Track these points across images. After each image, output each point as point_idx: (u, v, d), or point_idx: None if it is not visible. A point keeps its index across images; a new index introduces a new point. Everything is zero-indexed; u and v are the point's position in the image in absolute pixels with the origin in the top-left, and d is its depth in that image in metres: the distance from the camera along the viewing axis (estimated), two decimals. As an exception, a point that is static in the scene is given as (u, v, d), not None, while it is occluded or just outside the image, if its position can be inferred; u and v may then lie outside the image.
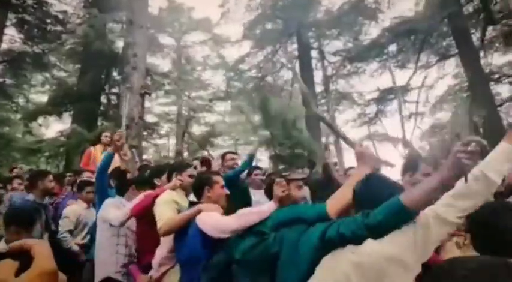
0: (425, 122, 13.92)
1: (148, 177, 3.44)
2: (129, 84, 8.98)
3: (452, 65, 12.89)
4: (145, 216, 2.83)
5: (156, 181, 3.30)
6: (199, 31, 20.32)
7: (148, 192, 3.00)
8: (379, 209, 1.40)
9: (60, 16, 11.41)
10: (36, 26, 11.09)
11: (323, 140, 13.93)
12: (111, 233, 3.11)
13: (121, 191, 3.39)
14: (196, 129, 21.16)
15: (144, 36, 9.82)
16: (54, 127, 12.66)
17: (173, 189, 2.88)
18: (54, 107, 11.20)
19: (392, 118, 13.28)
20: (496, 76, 11.29)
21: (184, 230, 2.38)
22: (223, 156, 4.64)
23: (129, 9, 9.76)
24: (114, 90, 11.61)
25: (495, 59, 11.99)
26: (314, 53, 14.64)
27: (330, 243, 1.47)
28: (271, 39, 13.57)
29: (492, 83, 10.88)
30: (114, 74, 11.68)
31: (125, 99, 8.80)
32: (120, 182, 3.51)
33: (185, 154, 18.31)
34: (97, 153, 5.43)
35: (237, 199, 2.97)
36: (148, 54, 16.04)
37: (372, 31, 13.13)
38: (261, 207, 2.10)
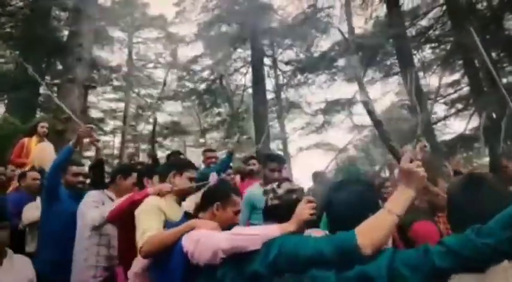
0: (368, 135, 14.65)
1: (138, 177, 3.00)
2: (71, 75, 8.55)
3: (395, 83, 13.68)
4: (124, 221, 2.42)
5: (145, 182, 2.83)
6: (152, 28, 19.84)
7: (128, 195, 2.55)
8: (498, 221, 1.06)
9: (0, -3, 10.62)
10: (-29, 5, 10.25)
11: (272, 146, 14.13)
12: (91, 232, 2.75)
13: (101, 184, 3.12)
14: (144, 128, 20.57)
15: (91, 27, 9.41)
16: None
17: (160, 194, 2.32)
18: (-15, 94, 10.37)
19: (338, 129, 13.80)
20: (433, 96, 12.09)
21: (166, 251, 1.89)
22: (203, 153, 4.65)
23: (77, -3, 9.32)
24: (56, 81, 10.95)
25: (432, 80, 12.90)
26: (267, 61, 14.85)
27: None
28: (225, 42, 13.57)
29: (429, 102, 11.62)
30: (57, 63, 11.03)
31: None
32: (101, 174, 3.27)
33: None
34: (31, 145, 5.07)
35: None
36: (97, 47, 15.40)
37: (323, 44, 13.60)
38: (258, 228, 1.57)
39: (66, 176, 3.06)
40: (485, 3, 11.21)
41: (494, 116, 8.91)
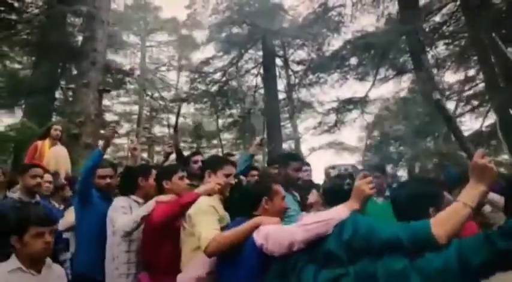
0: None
1: (156, 179, 2.91)
2: (86, 79, 8.71)
3: (409, 81, 13.50)
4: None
5: (165, 184, 2.75)
6: (164, 31, 20.08)
7: (172, 197, 2.51)
8: None
9: (16, 4, 10.87)
10: (-11, 13, 10.51)
11: (284, 146, 14.13)
12: (121, 238, 2.67)
13: (129, 190, 2.99)
14: (158, 131, 20.84)
15: (105, 32, 9.58)
16: (3, 121, 11.95)
17: (209, 194, 2.33)
18: (3, 100, 10.61)
19: (350, 128, 13.68)
20: (447, 93, 11.93)
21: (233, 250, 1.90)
22: (225, 156, 4.42)
23: (91, 3, 9.49)
24: (71, 85, 11.17)
25: (447, 77, 12.71)
26: (278, 61, 14.84)
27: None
28: (236, 43, 13.62)
29: (444, 99, 11.46)
30: (72, 68, 11.25)
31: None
32: (129, 180, 3.11)
33: (144, 155, 17.93)
34: (44, 148, 5.13)
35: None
36: (111, 51, 15.64)
37: (334, 43, 13.52)
38: (328, 212, 1.60)
39: (97, 180, 3.14)
40: (500, -3, 11.00)
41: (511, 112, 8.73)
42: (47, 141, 5.16)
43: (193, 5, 14.57)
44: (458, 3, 11.55)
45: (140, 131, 18.49)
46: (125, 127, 20.16)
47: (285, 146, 14.32)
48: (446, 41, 12.64)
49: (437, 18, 12.66)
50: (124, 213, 2.68)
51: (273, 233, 1.71)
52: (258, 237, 1.79)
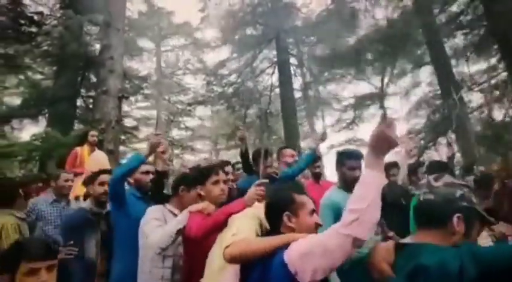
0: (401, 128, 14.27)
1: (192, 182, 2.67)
2: (105, 87, 8.89)
3: (427, 73, 13.26)
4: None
5: (199, 189, 2.49)
6: (179, 35, 20.28)
7: (206, 206, 2.28)
8: None
9: (36, 17, 11.17)
10: (10, 26, 10.83)
11: (301, 143, 14.07)
12: (154, 253, 2.45)
13: (160, 198, 2.78)
14: (176, 134, 21.05)
15: (121, 39, 9.75)
16: (29, 130, 12.29)
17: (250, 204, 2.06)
18: (28, 110, 10.94)
19: (369, 123, 13.54)
20: (468, 84, 11.65)
21: (261, 265, 1.56)
22: (279, 151, 4.14)
23: (106, 12, 9.68)
24: (91, 93, 11.42)
25: (466, 68, 12.40)
26: (293, 60, 14.80)
27: None
28: (250, 44, 13.66)
29: (464, 90, 11.22)
30: (91, 76, 11.50)
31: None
32: (160, 187, 2.91)
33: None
34: (84, 154, 5.26)
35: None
36: (127, 58, 15.92)
37: (349, 39, 13.38)
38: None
39: (135, 174, 2.95)
40: (519, -17, 10.68)
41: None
42: (86, 148, 5.29)
43: (206, 8, 14.69)
44: (475, -9, 11.28)
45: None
46: (144, 132, 20.45)
47: (303, 144, 14.24)
48: (464, 30, 12.34)
49: (454, 8, 12.37)
50: (158, 227, 2.42)
51: (310, 258, 1.40)
52: (289, 258, 1.46)
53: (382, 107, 12.43)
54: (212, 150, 21.56)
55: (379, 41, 11.25)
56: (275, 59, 14.05)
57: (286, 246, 1.50)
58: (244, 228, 1.76)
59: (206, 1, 14.77)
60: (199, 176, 2.50)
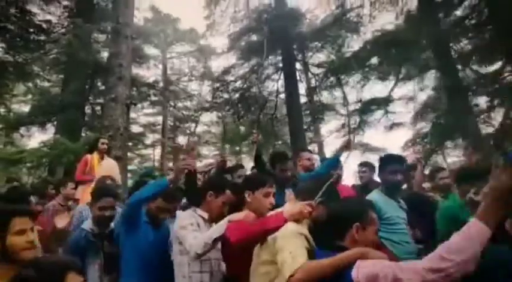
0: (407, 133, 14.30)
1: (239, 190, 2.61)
2: (114, 94, 8.98)
3: (432, 78, 13.26)
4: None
5: (247, 195, 2.43)
6: (184, 42, 20.46)
7: (247, 215, 2.22)
8: None
9: (44, 25, 11.35)
10: (19, 35, 11.00)
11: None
12: (191, 257, 2.40)
13: (193, 200, 2.75)
14: (182, 140, 21.17)
15: (130, 47, 9.85)
16: (37, 137, 12.43)
17: (296, 220, 1.91)
18: (36, 117, 11.08)
19: (374, 128, 13.53)
20: (474, 88, 11.64)
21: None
22: (296, 154, 4.16)
23: (115, 20, 9.81)
24: (99, 100, 11.55)
25: (472, 72, 12.40)
26: (298, 65, 14.87)
27: None
28: (256, 50, 13.76)
29: (470, 94, 11.22)
30: (99, 84, 11.64)
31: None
32: (193, 189, 2.83)
33: (170, 164, 18.25)
34: (94, 161, 5.22)
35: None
36: (134, 65, 16.06)
37: (354, 44, 13.47)
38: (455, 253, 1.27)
39: (151, 204, 2.82)
40: (524, -13, 10.70)
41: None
42: (95, 155, 5.28)
43: (212, 15, 14.84)
44: (480, -5, 11.31)
45: (165, 141, 18.85)
46: (150, 138, 20.60)
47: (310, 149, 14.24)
48: (470, 34, 12.35)
49: (458, 12, 12.40)
50: (193, 231, 2.43)
51: (383, 276, 1.34)
52: (360, 276, 1.40)
53: (387, 112, 12.43)
54: (218, 155, 21.62)
55: (384, 46, 11.28)
56: (280, 65, 14.13)
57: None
58: (299, 251, 1.70)
59: (212, 8, 14.92)
60: (251, 183, 2.49)
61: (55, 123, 11.04)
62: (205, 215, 2.62)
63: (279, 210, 2.02)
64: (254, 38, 14.20)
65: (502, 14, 9.58)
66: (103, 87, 10.80)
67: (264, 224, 1.96)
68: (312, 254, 1.73)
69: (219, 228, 2.25)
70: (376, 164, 3.40)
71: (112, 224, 2.93)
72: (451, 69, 10.55)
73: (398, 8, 13.11)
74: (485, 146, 8.60)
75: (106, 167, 4.94)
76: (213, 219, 2.61)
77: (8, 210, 1.79)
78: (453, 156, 16.75)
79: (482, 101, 11.84)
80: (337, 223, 1.70)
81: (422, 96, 13.83)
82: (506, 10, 9.53)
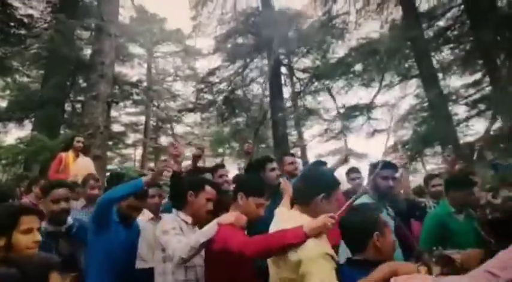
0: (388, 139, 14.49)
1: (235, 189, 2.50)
2: (95, 92, 8.83)
3: (414, 86, 13.52)
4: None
5: (239, 197, 2.34)
6: (170, 42, 20.32)
7: (237, 218, 2.14)
8: None
9: (26, 20, 11.08)
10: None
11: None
12: (176, 265, 2.30)
13: (178, 204, 2.57)
14: (164, 140, 20.96)
15: (113, 45, 9.72)
16: (14, 134, 12.10)
17: (316, 234, 1.74)
18: (14, 113, 10.79)
19: (356, 134, 13.67)
20: (454, 97, 11.91)
21: None
22: (280, 159, 4.00)
23: (99, 17, 9.66)
24: (80, 98, 11.33)
25: (453, 81, 12.71)
26: (283, 69, 14.93)
27: None
28: (242, 53, 13.75)
29: (450, 103, 11.46)
30: (80, 81, 11.42)
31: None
32: (178, 192, 2.63)
33: (151, 164, 18.03)
34: (69, 159, 5.12)
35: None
36: (118, 63, 15.85)
37: (339, 50, 13.62)
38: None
39: (122, 203, 2.67)
40: (504, 0, 11.03)
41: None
42: (71, 153, 5.15)
43: (199, 16, 14.78)
44: (462, 7, 11.60)
45: (147, 141, 18.62)
46: (131, 137, 20.33)
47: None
48: (451, 45, 12.66)
49: (441, 23, 12.70)
50: (177, 235, 2.30)
51: None
52: None
53: (369, 118, 12.58)
54: (194, 145, 21.46)
55: (368, 53, 11.44)
56: (266, 68, 14.16)
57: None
58: (330, 278, 1.61)
59: (199, 9, 14.86)
60: (249, 187, 2.36)
61: (33, 119, 10.75)
62: (189, 219, 2.50)
63: (297, 225, 1.82)
64: (240, 40, 14.21)
65: (482, 26, 9.84)
66: (84, 85, 10.59)
67: (282, 239, 1.78)
68: (336, 272, 1.66)
69: (207, 232, 2.15)
70: (367, 170, 3.38)
71: (70, 220, 2.71)
72: (432, 78, 10.76)
73: (384, 17, 13.37)
74: (463, 155, 8.77)
75: (81, 165, 4.84)
76: (199, 221, 2.52)
77: (17, 208, 1.80)
78: (432, 164, 17.10)
79: (461, 111, 12.13)
80: (356, 236, 1.70)
81: (405, 104, 14.09)
82: (487, 22, 9.80)
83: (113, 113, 19.24)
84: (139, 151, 20.75)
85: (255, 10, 14.06)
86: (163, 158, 18.56)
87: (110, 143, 18.38)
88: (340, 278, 1.62)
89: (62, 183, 2.78)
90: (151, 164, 18.46)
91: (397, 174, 3.35)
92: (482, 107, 11.85)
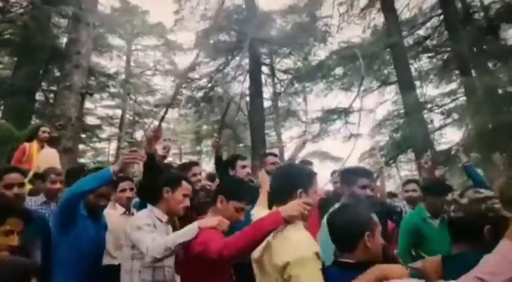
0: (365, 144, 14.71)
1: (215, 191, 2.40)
2: (68, 82, 8.54)
3: (393, 92, 13.73)
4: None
5: (219, 201, 2.23)
6: (151, 35, 19.94)
7: (219, 222, 2.03)
8: None
9: (0, 4, 10.62)
10: (-29, 12, 10.23)
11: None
12: (144, 265, 2.19)
13: (151, 199, 2.46)
14: (140, 135, 20.57)
15: (90, 34, 9.44)
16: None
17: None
18: (-19, 100, 10.35)
19: (334, 138, 13.77)
20: (429, 105, 12.16)
21: None
22: (263, 157, 3.93)
23: (77, 5, 9.35)
24: (53, 87, 10.95)
25: (429, 90, 13.00)
26: (265, 69, 14.89)
27: None
28: (223, 50, 13.63)
29: (425, 111, 11.69)
30: (54, 70, 11.03)
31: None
32: (150, 186, 2.51)
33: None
34: (33, 150, 4.86)
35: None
36: (95, 54, 15.44)
37: (320, 53, 13.69)
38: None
39: (90, 196, 2.50)
40: (482, 14, 11.35)
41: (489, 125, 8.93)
42: (35, 144, 4.90)
43: (182, 10, 14.54)
44: (441, 18, 11.87)
45: (122, 135, 18.20)
46: (107, 131, 19.84)
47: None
48: (430, 54, 12.93)
49: (421, 32, 12.97)
50: (151, 232, 2.17)
51: None
52: None
53: (347, 122, 12.69)
54: (178, 154, 21.24)
55: (349, 57, 11.54)
56: (247, 67, 14.08)
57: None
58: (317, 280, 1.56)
59: (182, 3, 14.62)
60: (230, 191, 2.25)
61: (2, 108, 10.33)
62: (164, 217, 2.38)
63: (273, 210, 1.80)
64: (222, 37, 14.07)
65: (459, 37, 10.09)
66: (58, 74, 10.22)
67: (261, 228, 1.70)
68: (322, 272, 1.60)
69: (185, 234, 2.01)
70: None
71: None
72: (410, 85, 10.95)
73: (366, 22, 13.53)
74: (438, 161, 8.96)
75: (45, 156, 4.63)
76: (173, 217, 2.44)
77: (4, 210, 1.76)
78: (405, 170, 17.46)
79: (436, 119, 12.40)
80: (347, 236, 1.63)
81: (382, 110, 14.31)
82: (464, 34, 10.05)
83: (89, 105, 18.73)
84: (113, 145, 20.27)
85: (238, 8, 13.96)
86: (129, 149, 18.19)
87: (84, 135, 17.90)
88: (327, 279, 1.57)
89: (14, 168, 2.56)
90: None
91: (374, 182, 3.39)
92: (456, 116, 12.16)
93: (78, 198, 2.35)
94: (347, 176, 2.85)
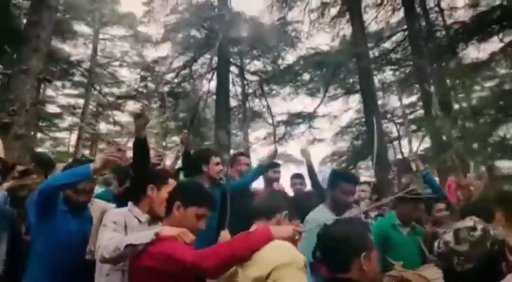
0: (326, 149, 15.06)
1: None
2: (25, 66, 8.16)
3: (356, 101, 14.12)
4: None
5: (175, 207, 1.99)
6: (120, 25, 19.40)
7: (180, 232, 1.79)
8: None
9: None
10: None
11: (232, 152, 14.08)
12: (110, 267, 2.06)
13: (133, 196, 2.31)
14: (104, 127, 19.99)
15: (52, 18, 9.05)
16: None
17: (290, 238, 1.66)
18: None
19: (298, 141, 14.00)
20: (389, 116, 12.60)
21: None
22: (234, 157, 3.89)
23: (40, -14, 8.95)
24: (8, 71, 10.42)
25: (391, 101, 13.48)
26: (234, 69, 14.88)
27: None
28: (192, 46, 13.51)
29: (385, 121, 12.10)
30: (11, 53, 10.50)
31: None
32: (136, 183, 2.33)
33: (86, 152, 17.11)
34: None
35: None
36: (59, 40, 14.87)
37: (289, 57, 13.87)
38: None
39: (68, 191, 2.37)
40: (443, 32, 11.87)
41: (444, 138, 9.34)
42: None
43: (152, 2, 14.27)
44: (406, 33, 12.32)
45: (84, 126, 17.60)
46: (68, 121, 19.14)
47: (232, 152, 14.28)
48: (393, 67, 13.39)
49: (386, 45, 13.41)
50: (113, 231, 2.03)
51: None
52: None
53: (311, 126, 12.94)
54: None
55: (316, 64, 11.75)
56: (215, 65, 14.01)
57: None
58: None
59: (153, -6, 14.38)
60: (189, 195, 1.99)
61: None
62: (143, 218, 2.20)
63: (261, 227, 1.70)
64: (192, 33, 13.94)
65: (420, 53, 10.51)
66: (14, 57, 9.74)
67: (249, 243, 1.61)
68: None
69: (138, 237, 1.82)
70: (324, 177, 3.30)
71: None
72: (372, 95, 11.27)
73: (335, 31, 13.82)
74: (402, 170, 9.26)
75: None
76: (157, 216, 2.22)
77: None
78: (365, 176, 17.92)
79: (395, 129, 12.88)
80: (342, 254, 1.47)
81: (345, 117, 14.67)
82: (426, 49, 10.48)
83: (50, 93, 18.03)
84: (74, 136, 19.56)
85: (210, 5, 13.87)
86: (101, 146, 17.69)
87: (42, 124, 17.18)
88: None
89: None
90: (86, 151, 17.49)
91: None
92: (414, 127, 12.66)
93: (54, 190, 2.23)
94: (332, 178, 2.81)
